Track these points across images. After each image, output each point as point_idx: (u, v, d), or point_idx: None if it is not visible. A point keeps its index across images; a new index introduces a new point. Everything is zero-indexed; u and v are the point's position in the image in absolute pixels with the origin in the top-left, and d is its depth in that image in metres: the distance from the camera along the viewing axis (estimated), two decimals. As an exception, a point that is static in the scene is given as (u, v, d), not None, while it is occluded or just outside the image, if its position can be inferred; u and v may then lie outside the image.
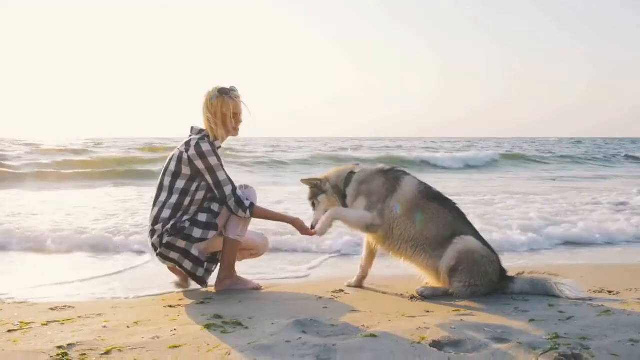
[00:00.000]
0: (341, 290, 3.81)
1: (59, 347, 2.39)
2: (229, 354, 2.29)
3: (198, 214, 3.68)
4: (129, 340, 2.52)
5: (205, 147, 3.63)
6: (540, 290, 3.49)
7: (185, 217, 3.64)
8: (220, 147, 3.78)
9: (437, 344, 2.47)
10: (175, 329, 2.71)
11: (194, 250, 3.66)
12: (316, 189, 3.86)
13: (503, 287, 3.53)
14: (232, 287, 3.85)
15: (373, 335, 2.56)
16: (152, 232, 3.68)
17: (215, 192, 3.66)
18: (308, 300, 3.50)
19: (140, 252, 5.30)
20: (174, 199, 3.64)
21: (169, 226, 3.59)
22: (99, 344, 2.45)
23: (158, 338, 2.55)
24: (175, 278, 4.07)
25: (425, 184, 3.73)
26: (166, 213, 3.64)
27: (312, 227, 3.79)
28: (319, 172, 4.29)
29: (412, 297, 3.57)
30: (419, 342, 2.46)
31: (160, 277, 4.17)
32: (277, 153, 25.55)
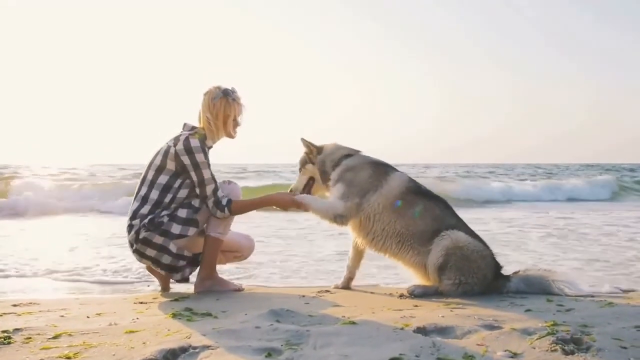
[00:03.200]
0: (327, 291, 3.58)
1: (4, 332, 2.18)
2: (189, 337, 2.07)
3: (178, 210, 3.47)
4: (84, 327, 2.31)
5: (194, 143, 3.45)
6: (537, 288, 3.25)
7: (164, 212, 3.44)
8: (211, 147, 3.61)
9: (422, 330, 2.24)
10: (137, 318, 2.49)
11: (172, 247, 3.44)
12: (308, 156, 3.69)
13: (499, 286, 3.29)
14: (212, 288, 3.61)
15: (352, 322, 2.34)
16: (130, 228, 3.46)
17: (197, 189, 3.48)
18: (290, 298, 3.26)
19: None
20: (154, 194, 3.44)
21: (146, 221, 3.39)
22: (48, 330, 2.24)
23: (116, 325, 2.33)
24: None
25: (415, 181, 3.52)
26: (145, 209, 3.43)
27: (291, 190, 3.68)
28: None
29: (401, 296, 3.33)
30: (401, 328, 2.24)
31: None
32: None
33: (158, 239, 3.39)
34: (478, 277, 3.20)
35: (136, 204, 3.46)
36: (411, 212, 3.35)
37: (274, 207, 3.60)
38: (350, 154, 3.62)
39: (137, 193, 3.50)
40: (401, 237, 3.34)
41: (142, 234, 3.38)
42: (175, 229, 3.41)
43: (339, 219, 3.38)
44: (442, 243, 3.21)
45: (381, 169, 3.50)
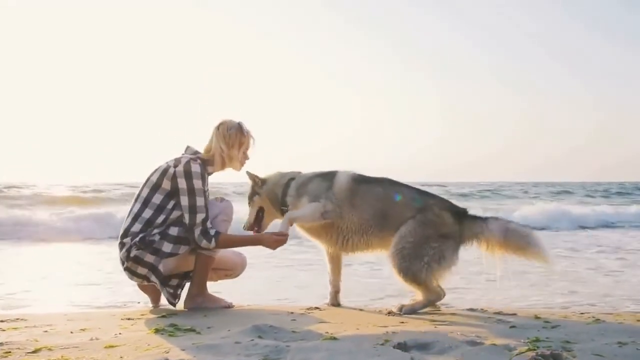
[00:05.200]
0: (316, 308, 3.57)
1: (-16, 346, 2.18)
2: (167, 352, 2.07)
3: (169, 228, 3.47)
4: (65, 342, 2.31)
5: (195, 168, 3.45)
6: (513, 239, 3.30)
7: (155, 231, 3.44)
8: (211, 173, 3.64)
9: (402, 346, 2.23)
10: (120, 333, 2.49)
11: (162, 267, 3.43)
12: (253, 188, 3.78)
13: (473, 230, 3.38)
14: (202, 304, 3.59)
15: (333, 338, 2.33)
16: (121, 246, 3.46)
17: (186, 215, 3.46)
18: (278, 314, 3.25)
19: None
20: (147, 213, 3.44)
21: (137, 239, 3.40)
22: (29, 344, 2.24)
23: (97, 339, 2.34)
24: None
25: (359, 173, 3.67)
26: (137, 227, 3.44)
27: (245, 227, 3.77)
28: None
29: (389, 313, 3.32)
30: (382, 344, 2.23)
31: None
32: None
33: (149, 258, 3.38)
34: (435, 244, 3.32)
35: (128, 221, 3.47)
36: (360, 200, 3.53)
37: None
38: (294, 177, 3.76)
39: (131, 210, 3.51)
40: (360, 227, 3.50)
41: (133, 252, 3.37)
42: (167, 247, 3.41)
43: (326, 214, 3.51)
44: (392, 264, 3.36)
45: (326, 172, 3.69)
